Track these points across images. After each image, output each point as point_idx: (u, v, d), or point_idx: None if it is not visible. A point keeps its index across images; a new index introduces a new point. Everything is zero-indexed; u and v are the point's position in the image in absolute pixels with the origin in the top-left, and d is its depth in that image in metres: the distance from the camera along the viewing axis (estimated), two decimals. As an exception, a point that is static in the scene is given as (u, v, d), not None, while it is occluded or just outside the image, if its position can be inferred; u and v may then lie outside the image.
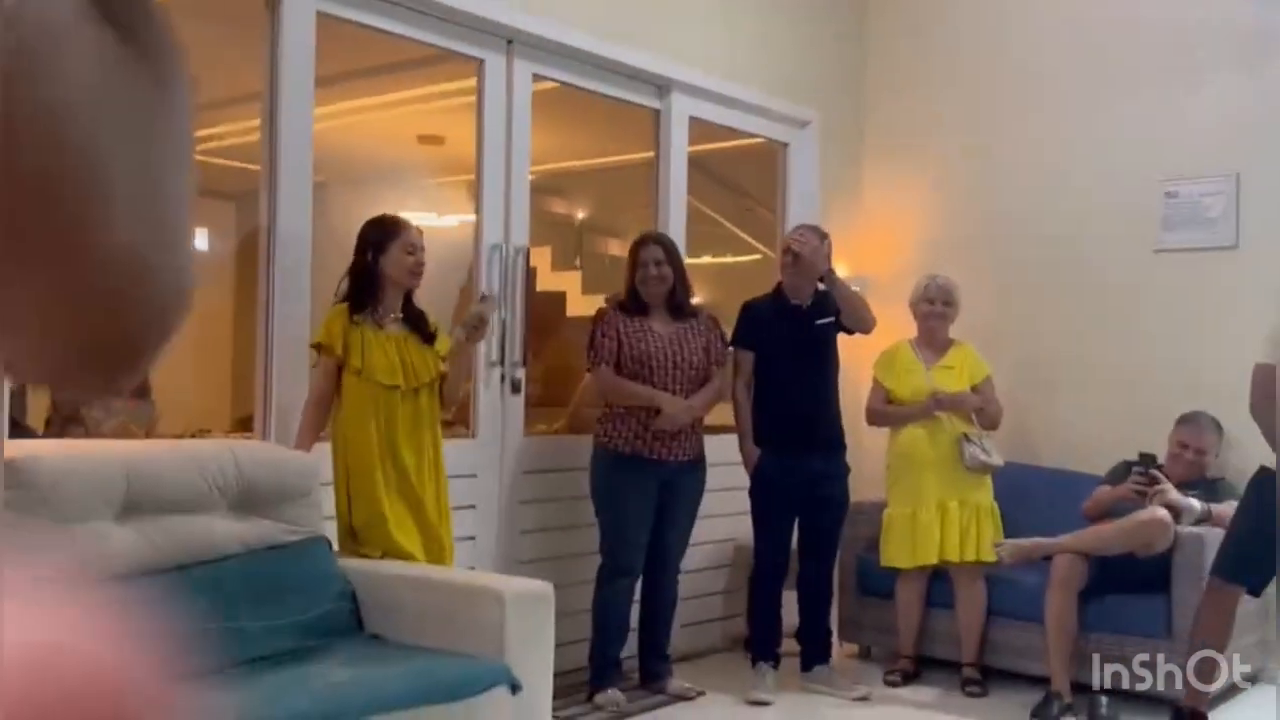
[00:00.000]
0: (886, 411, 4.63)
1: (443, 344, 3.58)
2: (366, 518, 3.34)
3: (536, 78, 4.36)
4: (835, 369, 4.42)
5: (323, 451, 3.41)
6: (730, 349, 4.36)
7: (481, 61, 4.16)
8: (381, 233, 3.47)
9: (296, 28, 3.63)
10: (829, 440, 4.37)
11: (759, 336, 4.37)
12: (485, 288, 4.08)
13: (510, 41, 4.22)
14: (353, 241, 6.57)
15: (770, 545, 4.35)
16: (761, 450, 4.32)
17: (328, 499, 3.39)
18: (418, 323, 3.54)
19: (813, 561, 4.42)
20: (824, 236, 4.34)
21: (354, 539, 3.34)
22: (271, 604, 2.92)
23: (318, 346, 3.41)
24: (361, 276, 3.45)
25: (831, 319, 4.33)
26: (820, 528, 4.38)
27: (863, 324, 4.36)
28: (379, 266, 3.44)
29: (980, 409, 4.51)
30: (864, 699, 4.27)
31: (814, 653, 4.43)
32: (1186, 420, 4.57)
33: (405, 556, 3.31)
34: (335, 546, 3.32)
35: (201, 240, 7.65)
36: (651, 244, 4.18)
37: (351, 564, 3.20)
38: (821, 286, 4.33)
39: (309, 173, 3.71)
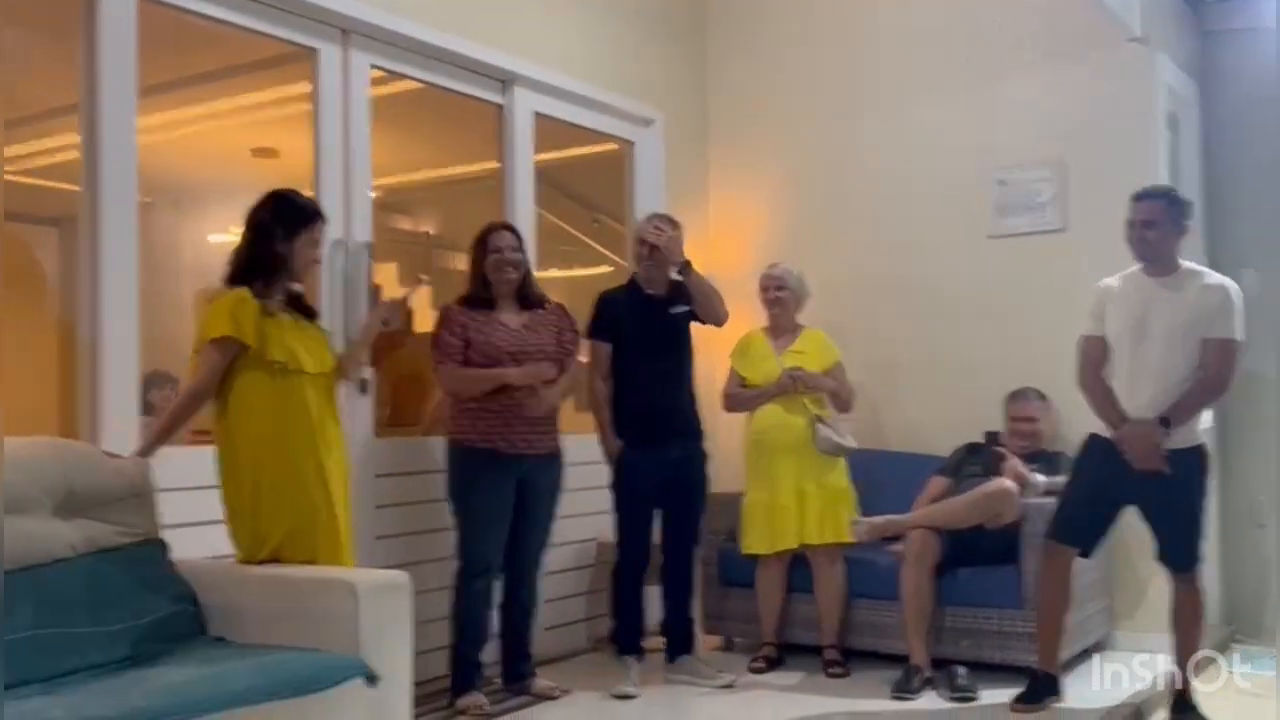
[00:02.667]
0: (742, 394, 4.64)
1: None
2: (295, 523, 3.12)
3: (375, 71, 4.27)
4: (691, 358, 4.42)
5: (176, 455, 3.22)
6: (584, 339, 4.32)
7: (316, 52, 4.04)
8: (295, 217, 3.23)
9: (117, 15, 3.44)
10: (687, 429, 4.36)
11: (615, 328, 4.33)
12: (408, 280, 3.98)
13: (345, 31, 4.12)
14: (182, 266, 6.33)
15: (633, 536, 4.30)
16: (621, 441, 4.27)
17: (176, 501, 3.23)
18: (299, 304, 3.34)
19: (676, 551, 4.39)
20: (677, 225, 4.35)
21: (263, 546, 3.12)
22: (105, 609, 2.75)
23: (222, 339, 3.09)
24: (262, 258, 3.19)
25: (686, 308, 4.34)
26: (682, 516, 4.36)
27: (716, 316, 4.37)
28: (284, 250, 3.20)
29: (835, 392, 4.56)
30: (728, 687, 4.25)
31: (678, 644, 4.40)
32: (1014, 396, 4.77)
33: (333, 560, 3.15)
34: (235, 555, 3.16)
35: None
36: (503, 230, 4.07)
37: (192, 566, 3.03)
38: (676, 276, 4.32)
39: (134, 180, 3.50)
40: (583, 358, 4.53)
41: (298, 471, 3.14)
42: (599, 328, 4.35)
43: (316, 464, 3.17)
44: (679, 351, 4.37)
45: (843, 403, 4.58)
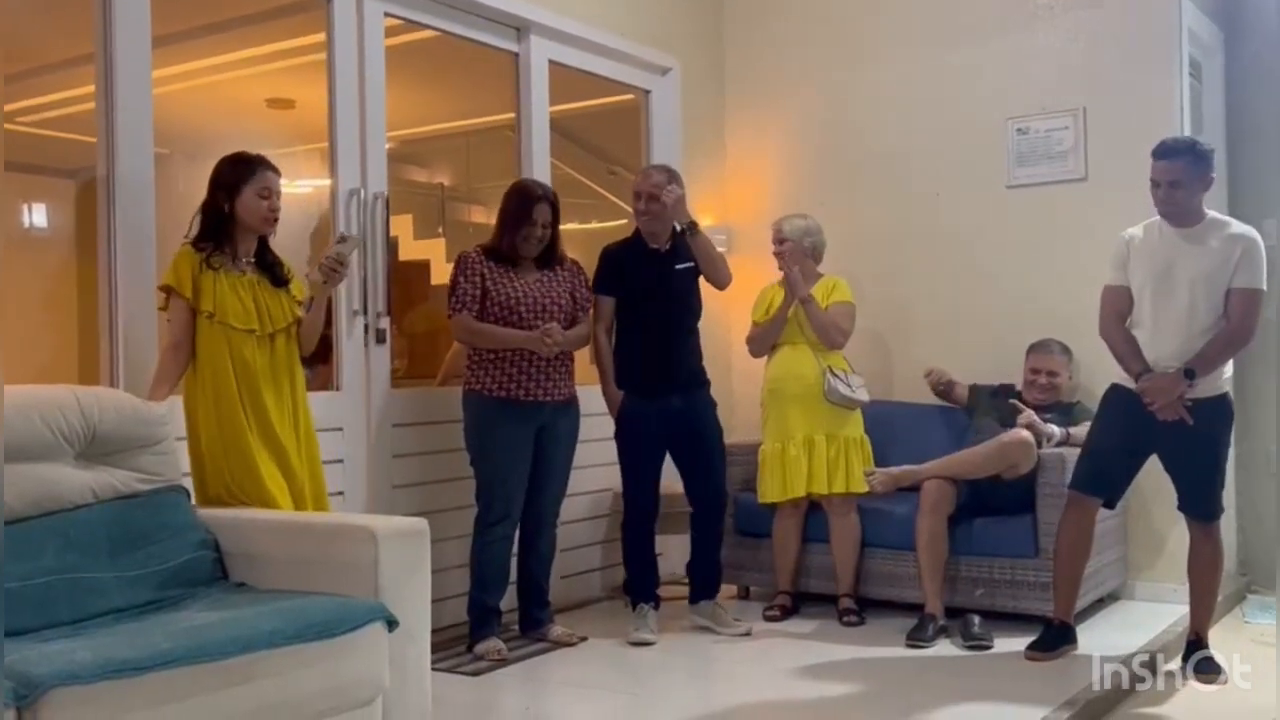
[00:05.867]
0: (757, 332, 4.65)
1: (297, 289, 3.46)
2: (238, 466, 3.21)
3: (389, 19, 4.24)
4: (696, 311, 4.39)
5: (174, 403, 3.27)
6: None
7: (330, 0, 4.01)
8: (235, 173, 3.31)
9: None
10: (688, 379, 4.33)
11: (619, 281, 4.32)
12: (344, 229, 3.95)
13: (359, -21, 4.10)
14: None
15: (637, 487, 4.31)
16: (624, 392, 4.28)
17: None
18: (272, 268, 3.40)
19: (700, 499, 4.37)
20: (680, 182, 4.30)
21: (222, 489, 3.21)
22: (127, 555, 2.78)
23: (166, 289, 3.25)
24: (212, 218, 3.30)
25: (692, 264, 4.31)
26: (699, 463, 4.34)
27: (718, 279, 4.33)
28: (231, 209, 3.29)
29: (822, 323, 4.50)
30: (747, 635, 4.27)
31: (703, 588, 4.41)
32: (1036, 348, 4.72)
33: (269, 504, 3.21)
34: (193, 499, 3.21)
35: (40, 217, 7.28)
36: (544, 203, 4.04)
37: (213, 513, 3.06)
38: (678, 227, 4.30)
39: (150, 131, 3.51)
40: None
41: (230, 423, 3.23)
42: (602, 282, 4.34)
43: (251, 418, 3.24)
44: (682, 305, 4.33)
45: (826, 336, 4.52)
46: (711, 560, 4.43)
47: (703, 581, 4.42)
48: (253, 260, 3.36)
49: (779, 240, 4.64)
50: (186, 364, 3.27)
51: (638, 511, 4.34)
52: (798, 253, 4.60)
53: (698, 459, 4.34)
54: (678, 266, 4.30)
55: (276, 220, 3.38)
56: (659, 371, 4.27)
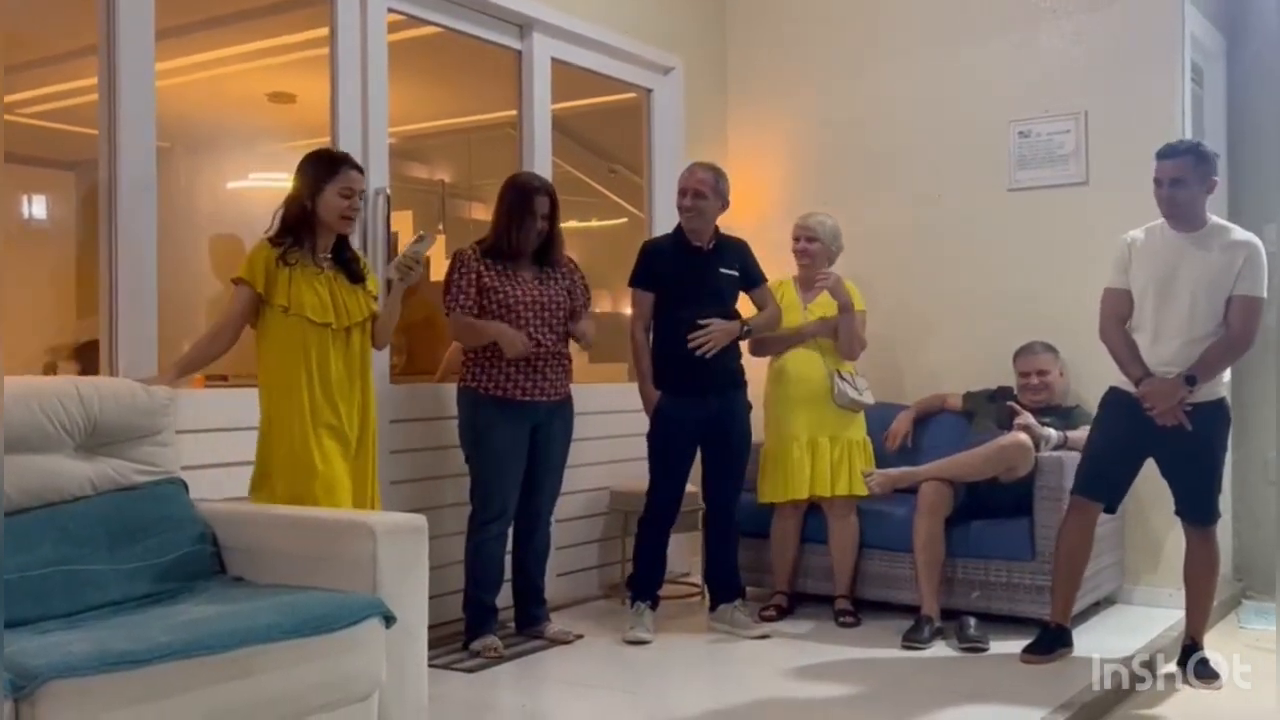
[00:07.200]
0: (764, 339, 4.62)
1: (373, 285, 3.51)
2: (293, 460, 3.23)
3: (392, 15, 4.24)
4: (733, 312, 4.37)
5: (188, 394, 3.28)
6: (628, 287, 4.36)
7: (334, -6, 4.02)
8: (318, 171, 3.34)
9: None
10: (726, 380, 4.32)
11: (657, 277, 4.31)
12: (422, 228, 3.97)
13: (362, -26, 4.10)
14: (199, 211, 6.32)
15: (666, 486, 4.30)
16: (660, 391, 4.27)
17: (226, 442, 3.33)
18: (349, 265, 3.44)
19: (718, 501, 4.38)
20: (720, 174, 4.34)
21: (275, 481, 3.24)
22: (125, 548, 2.78)
23: (239, 281, 3.27)
24: (293, 213, 3.34)
25: (737, 273, 4.29)
26: (723, 466, 4.34)
27: (850, 353, 4.52)
28: (312, 206, 3.32)
29: (845, 337, 4.50)
30: (764, 637, 4.24)
31: (723, 592, 4.40)
32: (1021, 352, 4.73)
33: (333, 502, 3.23)
34: (248, 492, 3.27)
35: (40, 209, 7.27)
36: (542, 194, 4.03)
37: (211, 506, 3.06)
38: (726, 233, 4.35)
39: (152, 124, 3.50)
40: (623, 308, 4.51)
41: (293, 415, 3.25)
42: (641, 276, 4.34)
43: (321, 412, 3.26)
44: (721, 304, 4.31)
45: (847, 349, 4.54)
46: (730, 564, 4.43)
47: (724, 587, 4.41)
48: (329, 256, 3.39)
49: (810, 238, 4.61)
50: (221, 353, 3.31)
51: (660, 511, 4.32)
52: (824, 255, 4.60)
53: (723, 460, 4.34)
54: (723, 270, 4.29)
55: (354, 219, 3.42)
56: (696, 371, 4.23)
